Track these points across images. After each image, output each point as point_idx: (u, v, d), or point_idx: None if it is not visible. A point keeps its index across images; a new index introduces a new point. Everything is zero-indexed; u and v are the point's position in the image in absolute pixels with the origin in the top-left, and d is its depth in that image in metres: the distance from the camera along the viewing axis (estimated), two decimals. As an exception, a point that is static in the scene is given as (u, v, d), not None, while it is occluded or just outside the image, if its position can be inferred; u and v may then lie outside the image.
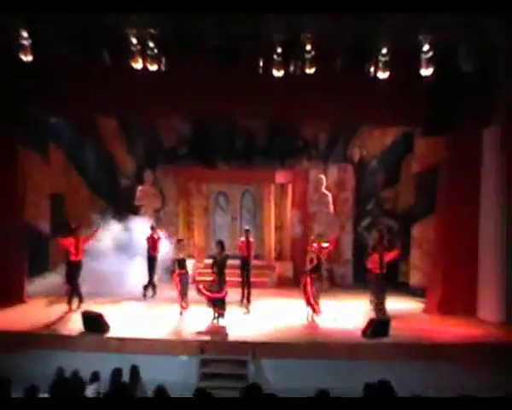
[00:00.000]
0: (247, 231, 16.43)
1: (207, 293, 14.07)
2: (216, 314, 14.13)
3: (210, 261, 15.49)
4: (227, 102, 15.29)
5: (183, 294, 14.86)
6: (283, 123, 18.50)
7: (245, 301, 15.91)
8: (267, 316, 15.02)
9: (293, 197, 19.92)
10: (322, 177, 19.81)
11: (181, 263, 15.00)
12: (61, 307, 15.19)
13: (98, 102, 15.43)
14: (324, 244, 15.65)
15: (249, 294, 15.85)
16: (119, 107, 15.98)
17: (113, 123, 19.46)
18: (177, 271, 14.96)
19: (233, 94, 15.05)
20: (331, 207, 19.64)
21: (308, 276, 15.02)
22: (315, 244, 15.46)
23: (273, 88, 14.65)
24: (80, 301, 15.14)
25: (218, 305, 14.12)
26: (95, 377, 10.09)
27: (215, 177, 19.94)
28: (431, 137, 16.67)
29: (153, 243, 16.73)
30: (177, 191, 19.85)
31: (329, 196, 19.72)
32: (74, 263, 15.23)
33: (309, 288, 14.86)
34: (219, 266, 14.18)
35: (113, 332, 13.25)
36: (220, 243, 14.70)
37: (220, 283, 14.10)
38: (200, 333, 13.58)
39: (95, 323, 13.20)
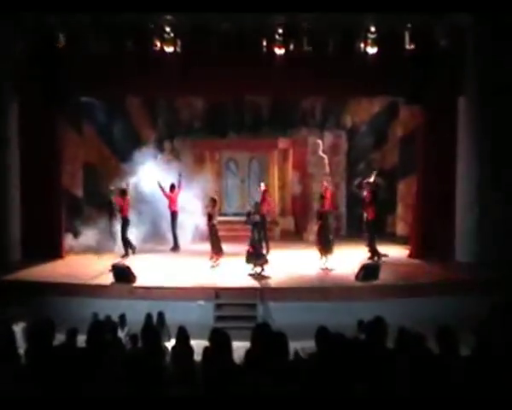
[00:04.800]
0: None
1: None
2: (255, 266, 13.81)
3: (223, 218, 15.08)
4: (235, 80, 14.94)
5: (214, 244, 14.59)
6: (284, 97, 18.13)
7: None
8: (272, 265, 14.28)
9: (293, 161, 19.64)
10: (319, 142, 19.45)
11: (209, 217, 14.73)
12: (93, 261, 15.12)
13: (124, 84, 15.23)
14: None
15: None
16: (143, 87, 15.65)
17: (137, 101, 19.17)
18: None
19: (240, 72, 14.64)
20: (327, 168, 19.34)
21: (317, 223, 14.79)
22: (325, 183, 15.88)
23: (275, 66, 14.27)
24: (133, 250, 15.59)
25: (259, 258, 13.85)
26: (122, 319, 10.02)
27: (226, 146, 19.67)
28: (413, 104, 16.17)
29: (171, 200, 16.49)
30: (193, 159, 19.58)
31: (325, 158, 19.38)
32: (124, 218, 15.57)
33: (317, 235, 14.69)
34: (257, 225, 13.92)
35: (140, 281, 13.06)
36: (256, 205, 14.46)
37: (260, 240, 13.91)
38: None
39: (123, 274, 13.00)
